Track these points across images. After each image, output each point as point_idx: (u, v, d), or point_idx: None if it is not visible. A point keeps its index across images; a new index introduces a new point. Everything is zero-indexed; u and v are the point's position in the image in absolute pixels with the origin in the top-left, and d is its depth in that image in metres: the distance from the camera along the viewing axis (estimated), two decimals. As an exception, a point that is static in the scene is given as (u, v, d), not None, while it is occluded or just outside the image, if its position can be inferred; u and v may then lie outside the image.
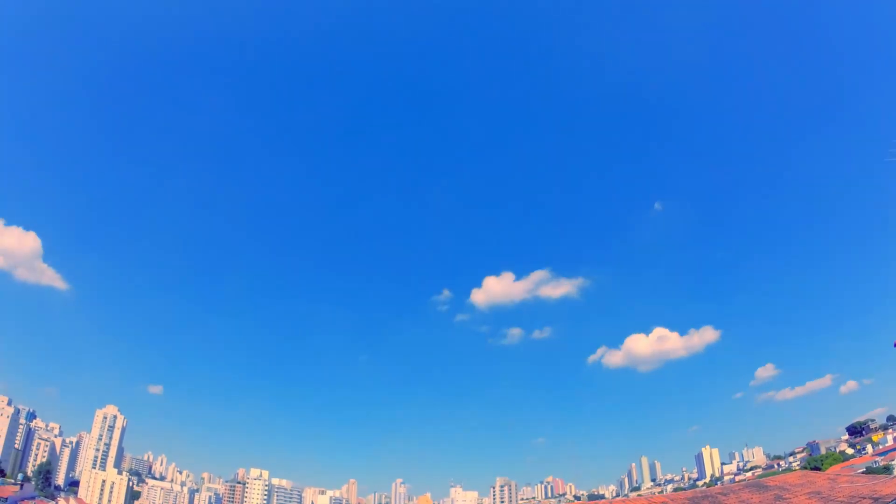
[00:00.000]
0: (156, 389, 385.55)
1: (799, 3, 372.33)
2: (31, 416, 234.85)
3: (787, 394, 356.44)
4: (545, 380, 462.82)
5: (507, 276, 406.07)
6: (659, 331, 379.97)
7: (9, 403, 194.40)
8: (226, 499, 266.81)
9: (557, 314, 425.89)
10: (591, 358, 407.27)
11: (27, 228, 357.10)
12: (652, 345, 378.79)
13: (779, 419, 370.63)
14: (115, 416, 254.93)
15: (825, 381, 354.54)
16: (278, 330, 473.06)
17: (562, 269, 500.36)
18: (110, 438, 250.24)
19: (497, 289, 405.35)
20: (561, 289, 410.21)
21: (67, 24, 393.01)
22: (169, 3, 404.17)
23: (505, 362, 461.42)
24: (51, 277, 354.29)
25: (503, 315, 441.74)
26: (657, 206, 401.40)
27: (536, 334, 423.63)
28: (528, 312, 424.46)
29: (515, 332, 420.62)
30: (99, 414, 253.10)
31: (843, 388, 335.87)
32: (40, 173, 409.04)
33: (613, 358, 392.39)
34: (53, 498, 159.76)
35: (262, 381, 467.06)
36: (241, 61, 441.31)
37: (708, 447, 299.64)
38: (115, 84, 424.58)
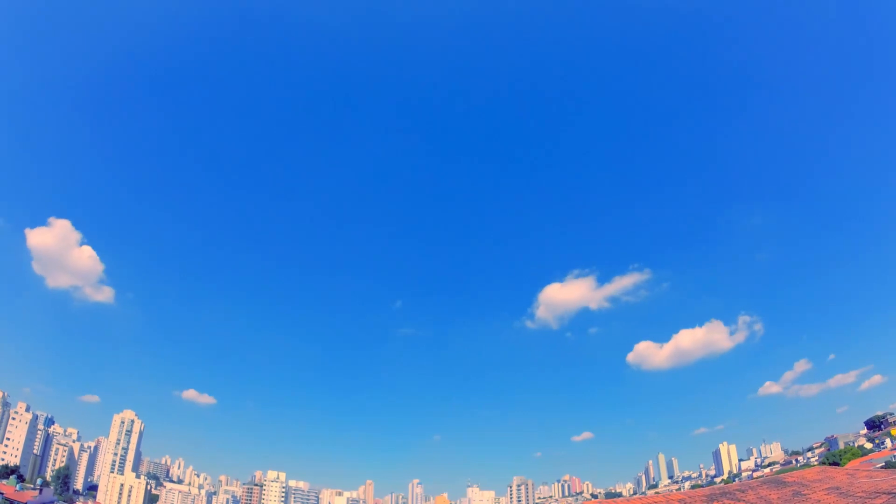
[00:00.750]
0: (201, 398, 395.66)
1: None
2: (50, 421, 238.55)
3: (812, 389, 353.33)
4: (581, 380, 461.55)
5: (577, 283, 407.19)
6: (709, 326, 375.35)
7: (27, 410, 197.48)
8: (243, 501, 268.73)
9: (607, 316, 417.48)
10: (630, 357, 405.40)
11: (91, 245, 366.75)
12: (696, 341, 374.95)
13: (800, 414, 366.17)
14: (132, 421, 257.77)
15: (849, 376, 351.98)
16: (323, 342, 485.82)
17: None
18: (128, 443, 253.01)
19: (553, 294, 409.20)
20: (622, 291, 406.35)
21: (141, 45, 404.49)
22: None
23: (541, 364, 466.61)
24: (107, 295, 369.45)
25: (556, 320, 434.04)
26: (755, 219, 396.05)
27: (581, 335, 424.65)
28: (579, 316, 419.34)
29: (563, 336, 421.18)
30: (116, 419, 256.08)
31: (866, 383, 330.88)
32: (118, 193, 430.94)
33: (651, 358, 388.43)
34: (72, 502, 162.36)
35: (287, 389, 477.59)
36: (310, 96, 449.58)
37: (725, 444, 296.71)
38: (179, 113, 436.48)
